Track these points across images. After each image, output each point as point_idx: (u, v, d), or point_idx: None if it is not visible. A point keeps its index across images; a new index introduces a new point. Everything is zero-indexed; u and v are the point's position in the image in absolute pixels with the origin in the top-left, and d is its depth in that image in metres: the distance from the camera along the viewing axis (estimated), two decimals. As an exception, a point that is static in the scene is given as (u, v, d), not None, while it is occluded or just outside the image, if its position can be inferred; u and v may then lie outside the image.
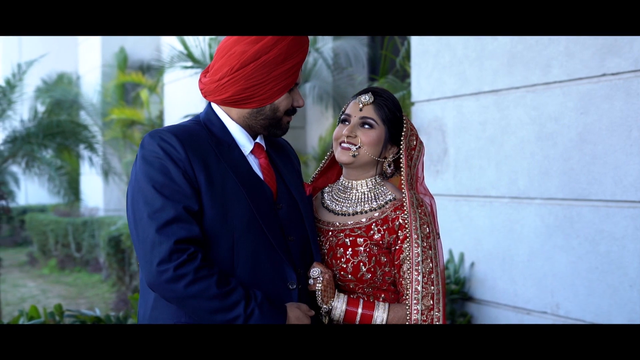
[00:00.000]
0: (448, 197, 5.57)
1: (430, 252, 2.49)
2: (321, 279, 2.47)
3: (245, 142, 2.47)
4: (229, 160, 2.39)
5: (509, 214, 5.07)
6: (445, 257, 5.56)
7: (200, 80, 2.49)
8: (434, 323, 2.46)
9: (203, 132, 2.42)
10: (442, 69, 5.62)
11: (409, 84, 6.18)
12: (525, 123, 4.90)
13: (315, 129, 9.49)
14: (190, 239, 2.23)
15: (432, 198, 2.66)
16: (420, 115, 5.81)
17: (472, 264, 5.39)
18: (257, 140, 2.51)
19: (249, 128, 2.47)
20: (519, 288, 5.01)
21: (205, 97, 2.48)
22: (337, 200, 2.65)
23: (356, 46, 8.89)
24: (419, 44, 5.89)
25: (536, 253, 4.86)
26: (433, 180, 5.67)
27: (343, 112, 2.63)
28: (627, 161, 4.26)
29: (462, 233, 5.49)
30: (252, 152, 2.49)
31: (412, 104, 5.94)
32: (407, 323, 2.46)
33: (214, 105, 2.48)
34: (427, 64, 5.77)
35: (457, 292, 5.39)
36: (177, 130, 2.36)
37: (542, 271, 4.82)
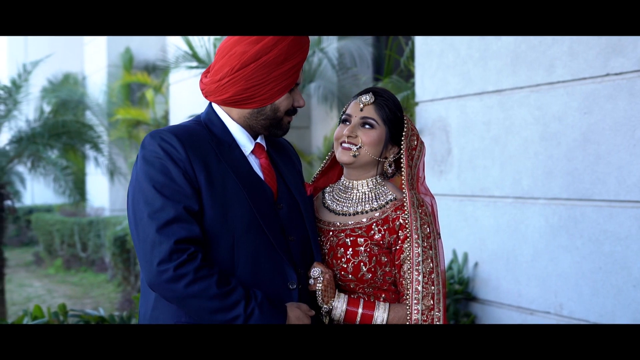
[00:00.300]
0: (452, 197, 5.57)
1: (430, 252, 2.49)
2: (321, 279, 2.47)
3: (245, 142, 2.47)
4: (229, 160, 2.39)
5: (513, 214, 5.07)
6: (449, 257, 5.55)
7: (201, 80, 2.49)
8: (434, 323, 2.46)
9: (204, 132, 2.42)
10: (446, 69, 5.62)
11: (413, 84, 6.18)
12: (529, 123, 4.90)
13: (320, 129, 9.49)
14: (190, 239, 2.24)
15: (433, 198, 2.67)
16: (424, 115, 5.81)
17: (476, 264, 5.39)
18: (258, 140, 2.52)
19: (250, 128, 2.47)
20: (522, 288, 5.01)
21: (206, 97, 2.48)
22: (337, 200, 2.65)
23: (361, 46, 8.88)
24: (423, 44, 5.89)
25: (540, 253, 4.86)
26: (437, 180, 5.67)
27: (344, 112, 2.63)
28: (631, 161, 4.25)
29: (466, 233, 5.49)
30: (252, 152, 2.49)
31: (416, 104, 5.93)
32: (407, 323, 2.46)
33: (215, 106, 2.49)
34: (431, 64, 5.77)
35: (460, 292, 5.39)
36: (178, 131, 2.37)
37: (546, 271, 4.81)
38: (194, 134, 2.39)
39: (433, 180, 5.69)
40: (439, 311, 2.47)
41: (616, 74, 4.31)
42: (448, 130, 5.60)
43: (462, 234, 5.52)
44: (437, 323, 2.46)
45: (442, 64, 5.65)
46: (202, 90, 2.48)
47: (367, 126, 2.57)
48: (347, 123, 2.60)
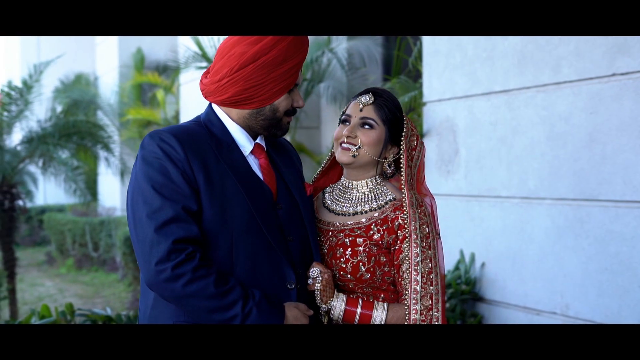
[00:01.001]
0: (459, 198, 5.57)
1: (429, 252, 2.49)
2: (320, 278, 2.48)
3: (245, 143, 2.48)
4: (228, 160, 2.40)
5: (519, 214, 5.06)
6: (456, 257, 5.55)
7: (201, 81, 2.50)
8: (432, 323, 2.46)
9: (203, 132, 2.43)
10: (453, 69, 5.61)
11: (421, 84, 6.19)
12: (536, 123, 4.89)
13: (330, 129, 9.49)
14: (188, 238, 2.25)
15: (433, 198, 2.67)
16: (432, 116, 5.81)
17: (483, 264, 5.38)
18: (257, 140, 2.52)
19: (249, 128, 2.48)
20: (529, 288, 5.00)
21: (205, 97, 2.49)
22: (337, 200, 2.66)
23: (370, 46, 8.88)
24: (430, 44, 5.89)
25: (546, 253, 4.85)
26: (444, 181, 5.67)
27: (343, 113, 2.64)
28: (637, 161, 4.24)
29: (473, 233, 5.48)
30: (252, 152, 2.50)
31: (424, 104, 5.93)
32: (406, 323, 2.46)
33: (215, 106, 2.50)
34: (439, 64, 5.77)
35: (467, 292, 5.39)
36: (177, 131, 2.38)
37: (552, 272, 4.81)
38: (193, 134, 2.40)
39: (440, 181, 5.69)
40: (437, 311, 2.47)
41: (622, 74, 4.30)
42: (455, 131, 5.59)
43: (468, 234, 5.52)
44: (436, 323, 2.46)
45: (450, 64, 5.65)
46: (202, 90, 2.49)
47: (366, 126, 2.57)
48: (347, 123, 2.60)
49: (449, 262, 5.48)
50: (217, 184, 2.34)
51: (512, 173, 5.10)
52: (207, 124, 2.47)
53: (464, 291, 5.37)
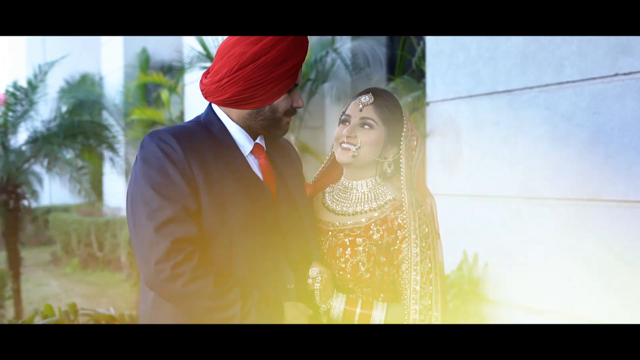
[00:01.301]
0: (462, 197, 5.56)
1: (429, 252, 2.49)
2: (319, 278, 2.48)
3: (244, 143, 2.48)
4: (228, 160, 2.40)
5: (522, 214, 5.06)
6: (460, 257, 5.55)
7: (201, 81, 2.50)
8: (432, 323, 2.46)
9: (203, 132, 2.43)
10: (457, 69, 5.61)
11: (425, 84, 6.18)
12: (539, 123, 4.89)
13: (334, 129, 9.42)
14: (187, 238, 2.25)
15: (433, 198, 2.66)
16: (435, 116, 5.81)
17: (486, 264, 5.38)
18: (257, 140, 2.53)
19: (249, 129, 2.48)
20: (532, 288, 5.00)
21: (205, 98, 2.50)
22: (337, 200, 2.66)
23: (374, 46, 8.88)
24: (433, 44, 5.89)
25: (549, 253, 4.84)
26: (447, 180, 5.67)
27: (343, 113, 2.64)
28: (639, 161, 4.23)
29: (476, 233, 5.48)
30: (251, 152, 2.50)
31: (427, 104, 5.93)
32: (405, 323, 2.46)
33: (214, 106, 2.50)
34: (442, 64, 5.77)
35: (471, 292, 5.38)
36: (177, 131, 2.38)
37: (556, 271, 4.80)
38: (193, 134, 2.40)
39: (443, 180, 5.69)
40: (437, 311, 2.47)
41: (625, 74, 4.30)
42: (458, 131, 5.59)
43: (472, 234, 5.51)
44: (435, 323, 2.46)
45: (453, 64, 5.65)
46: (202, 90, 2.49)
47: (366, 126, 2.57)
48: (347, 123, 2.61)
49: (452, 262, 5.49)
50: (216, 184, 2.34)
51: (515, 173, 5.10)
52: (207, 124, 2.47)
53: (467, 291, 5.37)
